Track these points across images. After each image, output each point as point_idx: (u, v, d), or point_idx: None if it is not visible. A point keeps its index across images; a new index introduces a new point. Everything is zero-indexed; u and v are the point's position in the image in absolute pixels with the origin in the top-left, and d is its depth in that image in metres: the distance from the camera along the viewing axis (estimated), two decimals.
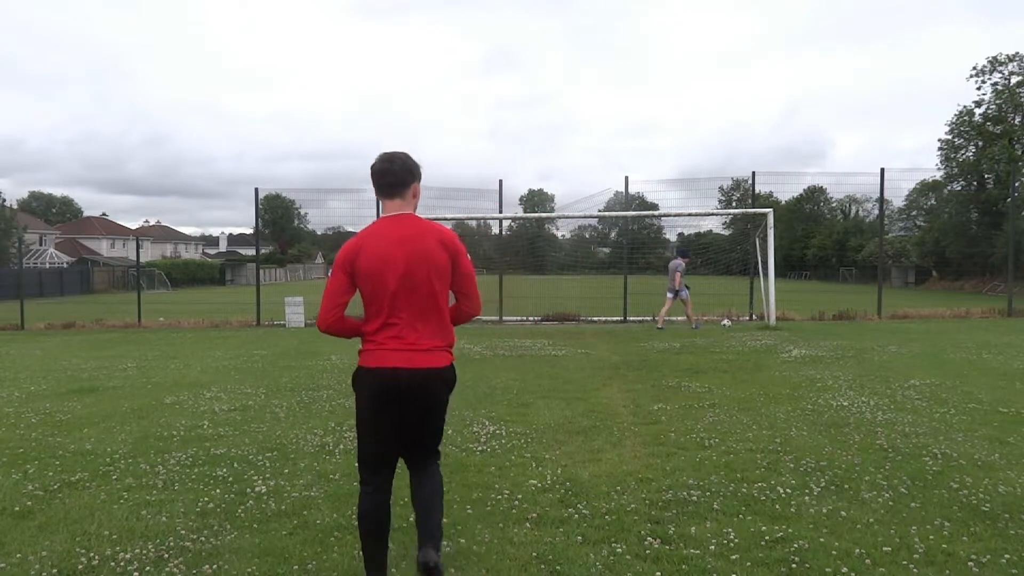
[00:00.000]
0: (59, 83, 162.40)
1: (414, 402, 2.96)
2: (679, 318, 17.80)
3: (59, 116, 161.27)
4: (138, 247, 25.39)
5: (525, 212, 51.82)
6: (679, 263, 15.46)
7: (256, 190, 20.02)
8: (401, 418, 2.98)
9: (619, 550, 3.47)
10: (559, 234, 32.46)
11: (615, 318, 18.06)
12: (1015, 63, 40.55)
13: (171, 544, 3.65)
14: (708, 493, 4.28)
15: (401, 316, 2.94)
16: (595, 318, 18.14)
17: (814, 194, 67.18)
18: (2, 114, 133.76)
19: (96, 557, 3.49)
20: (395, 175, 3.01)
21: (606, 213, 21.15)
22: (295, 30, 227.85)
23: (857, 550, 3.42)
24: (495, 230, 22.19)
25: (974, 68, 41.42)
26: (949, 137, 42.78)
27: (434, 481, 3.09)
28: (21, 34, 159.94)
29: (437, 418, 3.07)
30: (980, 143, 41.23)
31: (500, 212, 19.11)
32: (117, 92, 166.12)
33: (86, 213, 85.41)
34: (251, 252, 69.83)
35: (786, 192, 54.51)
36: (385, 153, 3.06)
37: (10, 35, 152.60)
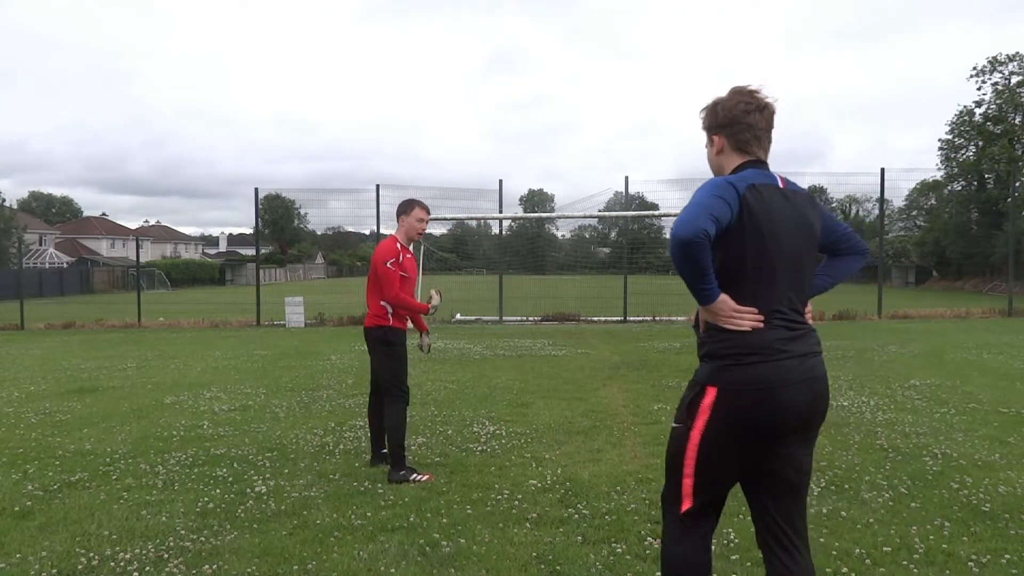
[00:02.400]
0: (61, 84, 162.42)
1: (367, 346, 4.97)
2: (680, 317, 17.80)
3: (61, 117, 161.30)
4: (138, 247, 25.40)
5: (525, 212, 51.82)
6: None
7: (256, 190, 20.04)
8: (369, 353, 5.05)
9: (619, 550, 3.47)
10: (559, 234, 32.51)
11: (615, 318, 18.06)
12: (1015, 63, 40.48)
13: (171, 544, 3.65)
14: None
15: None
16: (595, 318, 18.14)
17: (814, 194, 67.05)
18: (4, 115, 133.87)
19: (96, 557, 3.49)
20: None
21: (606, 213, 21.16)
22: (296, 31, 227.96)
23: (857, 550, 3.42)
24: (495, 230, 22.20)
25: (974, 68, 41.37)
26: (949, 137, 42.73)
27: (384, 418, 4.85)
28: (23, 35, 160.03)
29: (375, 364, 4.96)
30: (980, 143, 41.17)
31: (500, 212, 19.11)
32: (119, 93, 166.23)
33: (86, 213, 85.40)
34: (251, 252, 69.83)
35: None
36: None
37: (12, 36, 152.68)
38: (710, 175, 2.39)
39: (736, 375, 2.16)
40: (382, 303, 4.81)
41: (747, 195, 2.14)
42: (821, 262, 2.49)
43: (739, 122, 2.28)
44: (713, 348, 2.23)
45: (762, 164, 2.31)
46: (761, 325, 2.17)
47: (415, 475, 4.68)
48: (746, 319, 2.17)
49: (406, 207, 4.92)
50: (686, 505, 2.30)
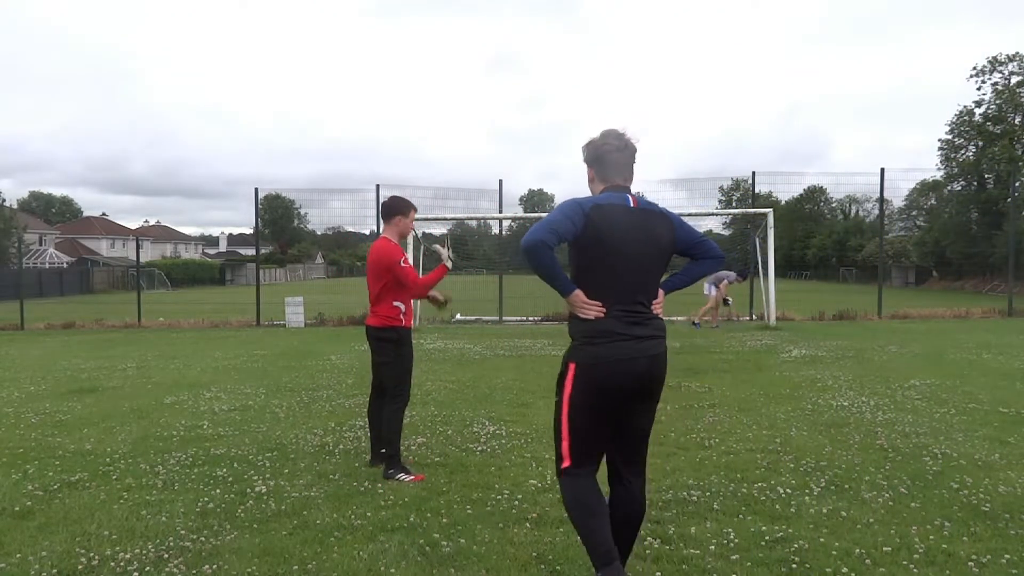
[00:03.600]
0: (63, 84, 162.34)
1: (370, 345, 4.96)
2: (679, 317, 17.79)
3: (62, 117, 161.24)
4: (138, 247, 25.41)
5: (525, 212, 51.79)
6: (732, 276, 15.82)
7: (256, 190, 20.06)
8: (371, 352, 5.02)
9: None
10: None
11: None
12: (1015, 63, 40.49)
13: (171, 544, 3.65)
14: (708, 493, 4.28)
15: (369, 293, 4.92)
16: None
17: (814, 194, 67.18)
18: (6, 115, 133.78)
19: (96, 557, 3.49)
20: (384, 208, 4.95)
21: None
22: (297, 31, 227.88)
23: (857, 550, 3.42)
24: (495, 230, 22.21)
25: (974, 68, 41.39)
26: (949, 137, 42.74)
27: (385, 413, 4.84)
28: (25, 35, 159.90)
29: (380, 363, 4.94)
30: (980, 143, 41.17)
31: (500, 212, 19.12)
32: (120, 93, 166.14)
33: (86, 213, 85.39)
34: (251, 252, 69.83)
35: (786, 192, 54.61)
36: (392, 196, 4.99)
37: (14, 36, 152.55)
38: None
39: (587, 352, 2.79)
40: (395, 303, 4.79)
41: (591, 213, 2.76)
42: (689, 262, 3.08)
43: (603, 160, 2.92)
44: (572, 332, 2.88)
45: (621, 188, 2.91)
46: (603, 314, 2.77)
47: (403, 475, 4.68)
48: (592, 309, 2.79)
49: (404, 209, 4.89)
50: (566, 464, 2.88)
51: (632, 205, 2.86)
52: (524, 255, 2.73)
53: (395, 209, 4.88)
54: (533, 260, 2.74)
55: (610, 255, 2.77)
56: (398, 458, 4.79)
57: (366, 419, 6.07)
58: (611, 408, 2.81)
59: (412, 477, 4.68)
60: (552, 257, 2.73)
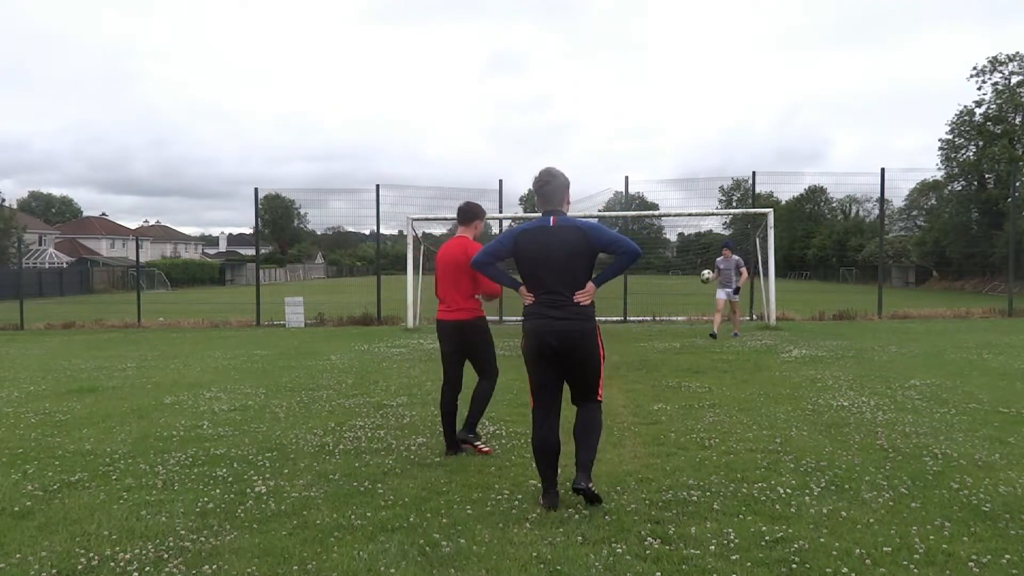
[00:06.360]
0: (65, 85, 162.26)
1: (456, 338, 5.34)
2: (679, 317, 17.78)
3: (63, 117, 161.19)
4: (138, 247, 25.40)
5: (525, 212, 51.73)
6: (736, 259, 13.84)
7: (256, 190, 20.08)
8: (452, 346, 5.38)
9: (619, 550, 3.46)
10: None
11: (615, 318, 18.05)
12: (1015, 63, 40.51)
13: (171, 544, 3.64)
14: (708, 493, 4.28)
15: (445, 289, 5.35)
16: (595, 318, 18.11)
17: (814, 194, 67.16)
18: (8, 115, 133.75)
19: (96, 557, 3.49)
20: (465, 213, 5.46)
21: (606, 213, 21.11)
22: (299, 32, 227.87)
23: (857, 550, 3.42)
24: (495, 230, 22.16)
25: (974, 68, 41.41)
26: (949, 137, 42.74)
27: (481, 389, 5.35)
28: (27, 36, 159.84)
29: (478, 349, 5.35)
30: (980, 143, 41.17)
31: (500, 212, 19.10)
32: (123, 94, 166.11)
33: (86, 213, 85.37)
34: (251, 252, 69.80)
35: (786, 192, 54.71)
36: (468, 202, 5.53)
37: (16, 37, 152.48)
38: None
39: (524, 325, 4.14)
40: (477, 296, 5.31)
41: (518, 238, 4.13)
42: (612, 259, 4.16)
43: (537, 193, 4.23)
44: (523, 312, 4.18)
45: (548, 212, 4.16)
46: (532, 301, 4.09)
47: (480, 443, 5.33)
48: (528, 298, 4.13)
49: (482, 213, 5.52)
50: (532, 404, 4.21)
51: (551, 224, 4.08)
52: (474, 269, 4.41)
53: (476, 214, 5.50)
54: (481, 272, 4.39)
55: (532, 263, 4.07)
56: (476, 427, 5.40)
57: (367, 419, 6.10)
58: (544, 363, 4.06)
59: (487, 448, 5.32)
60: (495, 268, 4.31)
